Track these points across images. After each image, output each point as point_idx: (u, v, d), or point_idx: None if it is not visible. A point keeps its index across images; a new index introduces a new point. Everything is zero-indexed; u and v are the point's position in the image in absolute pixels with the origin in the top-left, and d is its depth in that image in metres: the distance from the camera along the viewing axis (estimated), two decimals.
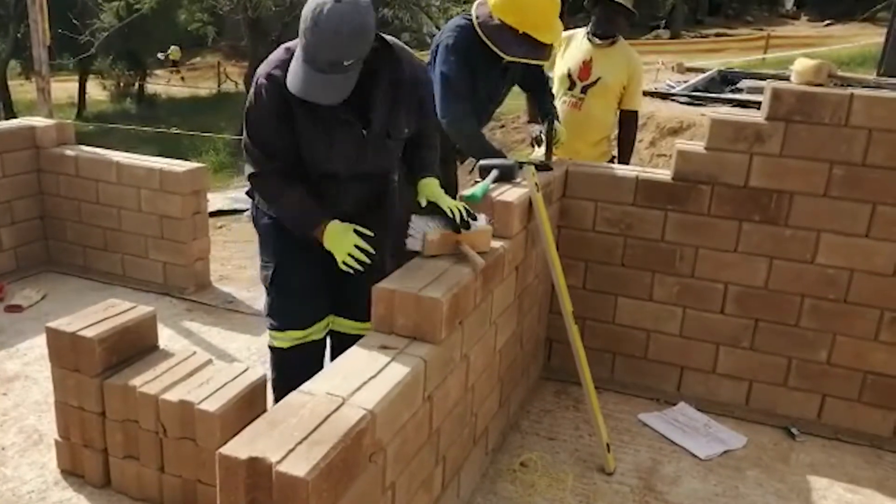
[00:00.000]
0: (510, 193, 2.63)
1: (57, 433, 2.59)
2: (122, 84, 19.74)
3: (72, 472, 2.59)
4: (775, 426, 3.07)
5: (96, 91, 19.71)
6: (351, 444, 1.56)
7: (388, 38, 2.27)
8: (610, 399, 3.21)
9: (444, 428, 2.17)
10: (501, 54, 2.95)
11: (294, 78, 2.09)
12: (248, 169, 2.38)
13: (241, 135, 2.41)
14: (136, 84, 19.81)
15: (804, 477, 2.77)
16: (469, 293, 2.21)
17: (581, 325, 3.20)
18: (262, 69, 2.27)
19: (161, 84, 20.72)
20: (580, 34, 3.88)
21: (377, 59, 2.20)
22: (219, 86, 20.87)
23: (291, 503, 1.44)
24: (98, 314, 2.49)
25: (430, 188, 2.43)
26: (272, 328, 2.56)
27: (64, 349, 2.41)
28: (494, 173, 2.74)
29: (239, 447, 1.49)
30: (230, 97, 18.57)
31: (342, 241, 2.28)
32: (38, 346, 3.37)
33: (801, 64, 2.85)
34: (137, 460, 2.43)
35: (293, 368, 2.44)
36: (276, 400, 2.34)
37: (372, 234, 2.33)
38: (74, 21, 12.93)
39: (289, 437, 1.52)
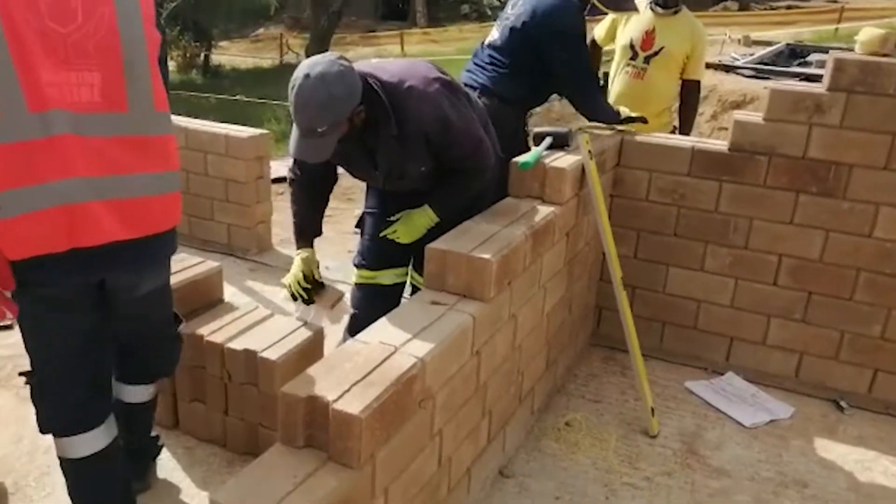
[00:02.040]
0: (563, 160, 2.68)
1: None
2: (188, 55, 20.19)
3: None
4: (824, 399, 3.07)
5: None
6: (402, 388, 1.67)
7: (397, 90, 2.28)
8: (657, 367, 3.25)
9: (490, 383, 2.26)
10: (620, 13, 3.48)
11: (291, 137, 2.26)
12: (477, 160, 2.50)
13: None
14: (202, 55, 20.25)
15: (851, 448, 2.77)
16: (518, 255, 2.28)
17: (631, 293, 3.25)
18: None
19: (226, 55, 21.13)
20: (643, 4, 3.86)
21: (376, 112, 2.29)
22: (281, 57, 21.16)
23: (346, 439, 1.55)
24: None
25: (410, 219, 2.51)
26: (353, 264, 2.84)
27: None
28: (548, 140, 2.79)
29: (299, 386, 1.61)
30: (292, 68, 18.67)
31: (293, 270, 2.60)
32: None
33: (867, 34, 2.79)
34: (204, 404, 2.60)
35: (357, 302, 2.77)
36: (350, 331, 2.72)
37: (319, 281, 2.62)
38: None
39: (344, 380, 1.63)
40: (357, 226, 2.85)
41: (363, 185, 2.85)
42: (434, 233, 2.36)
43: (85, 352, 1.93)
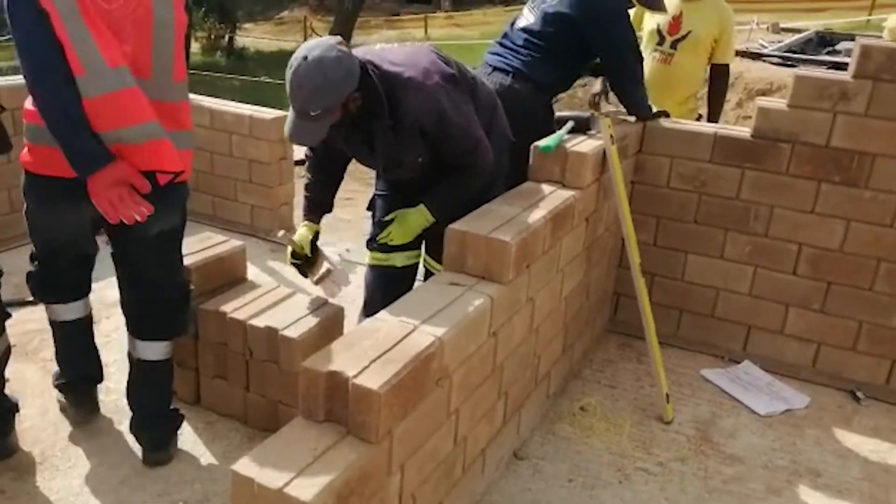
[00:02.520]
0: (584, 144, 2.69)
1: None
2: (212, 37, 20.28)
3: None
4: (840, 389, 3.07)
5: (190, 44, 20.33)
6: (420, 365, 1.70)
7: (395, 79, 2.30)
8: (674, 354, 3.26)
9: (507, 364, 2.29)
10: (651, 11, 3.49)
11: (288, 118, 2.31)
12: (473, 158, 2.52)
13: None
14: (226, 37, 20.33)
15: (866, 439, 2.77)
16: (538, 239, 2.30)
17: (650, 281, 3.26)
18: None
19: (250, 38, 21.21)
20: None
21: (372, 100, 2.31)
22: (305, 39, 21.18)
23: (365, 414, 1.59)
24: (195, 245, 2.70)
25: (405, 220, 2.54)
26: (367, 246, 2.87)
27: None
28: (570, 124, 2.79)
29: (320, 362, 1.65)
30: None
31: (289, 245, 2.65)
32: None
33: (895, 21, 2.76)
34: (225, 380, 2.66)
35: (370, 283, 2.80)
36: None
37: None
38: None
39: (364, 356, 1.67)
40: (368, 208, 2.89)
41: None
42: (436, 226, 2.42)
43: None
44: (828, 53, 10.24)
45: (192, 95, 4.50)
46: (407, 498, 1.82)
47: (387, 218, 2.62)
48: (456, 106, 2.39)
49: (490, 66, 3.25)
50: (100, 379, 2.68)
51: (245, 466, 1.50)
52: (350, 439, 1.60)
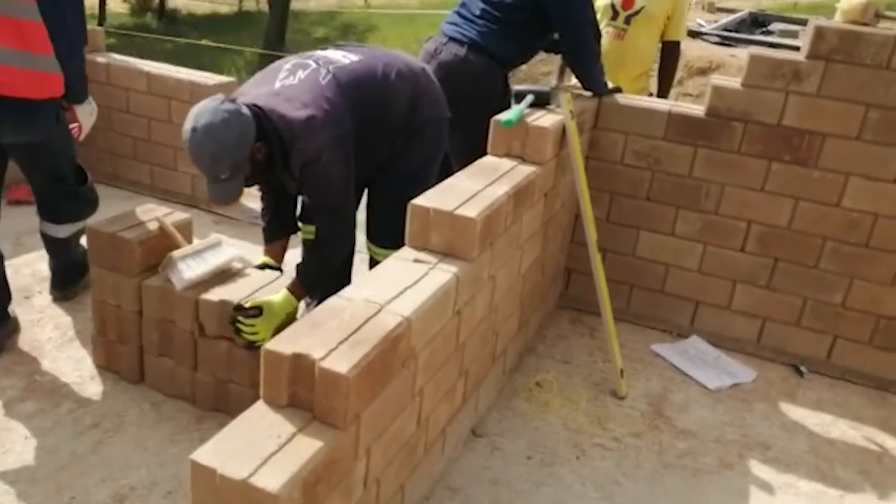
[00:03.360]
0: (545, 119, 2.65)
1: (94, 330, 2.69)
2: None
3: (107, 368, 2.70)
4: (785, 364, 3.15)
5: (116, 3, 19.41)
6: (388, 346, 1.64)
7: (291, 125, 2.30)
8: (624, 329, 3.28)
9: (469, 343, 2.25)
10: None
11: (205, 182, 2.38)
12: (335, 223, 2.52)
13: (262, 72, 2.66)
14: None
15: (810, 412, 2.86)
16: (501, 215, 2.25)
17: (602, 256, 3.26)
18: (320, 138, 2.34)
19: (182, 0, 20.39)
20: None
21: (273, 146, 2.34)
22: (240, 3, 20.51)
23: (332, 398, 1.52)
24: (136, 217, 2.56)
25: (270, 310, 2.33)
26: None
27: (104, 249, 2.49)
28: (529, 98, 2.74)
29: (283, 343, 1.57)
30: (251, 16, 18.28)
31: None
32: None
33: (848, 2, 2.81)
34: (171, 359, 2.54)
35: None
36: None
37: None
38: None
39: (330, 337, 1.59)
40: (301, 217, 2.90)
41: None
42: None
43: None
44: (761, 34, 10.49)
45: (125, 58, 4.32)
46: (371, 482, 1.77)
47: (248, 306, 2.34)
48: (328, 165, 2.36)
49: (446, 35, 3.17)
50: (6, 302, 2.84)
51: (205, 456, 1.41)
52: (316, 425, 1.53)
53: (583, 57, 3.14)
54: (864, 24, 2.75)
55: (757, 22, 11.64)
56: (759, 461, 2.57)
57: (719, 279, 3.23)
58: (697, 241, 3.22)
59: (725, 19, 11.14)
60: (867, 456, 2.64)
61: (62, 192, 2.90)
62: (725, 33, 9.66)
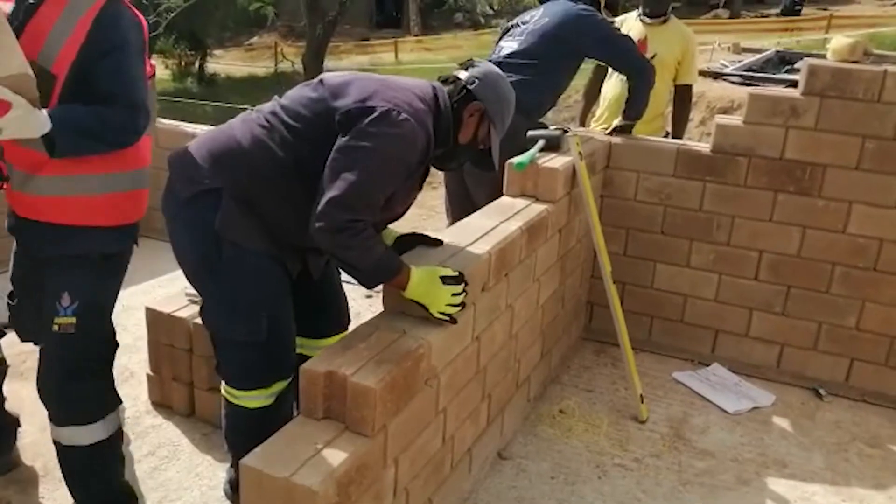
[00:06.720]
0: (555, 161, 2.86)
1: (149, 369, 2.94)
2: (183, 63, 20.38)
3: (161, 404, 2.94)
4: (804, 387, 3.25)
5: (159, 70, 20.42)
6: (411, 365, 1.84)
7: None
8: (646, 359, 3.43)
9: (489, 367, 2.43)
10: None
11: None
12: (342, 214, 1.89)
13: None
14: (197, 63, 20.44)
15: (828, 432, 2.95)
16: (514, 248, 2.45)
17: (621, 289, 3.43)
18: (417, 116, 1.99)
19: (220, 64, 21.33)
20: (632, 17, 4.06)
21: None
22: (276, 65, 21.37)
23: (362, 409, 1.72)
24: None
25: None
26: (255, 387, 2.16)
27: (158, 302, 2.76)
28: (541, 143, 2.96)
29: (318, 363, 1.78)
30: (287, 76, 19.03)
31: (437, 292, 1.97)
32: (121, 298, 3.73)
33: (837, 42, 2.99)
34: (220, 392, 2.75)
35: (274, 423, 1.81)
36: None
37: (455, 273, 2.03)
38: (143, 1, 13.50)
39: (359, 357, 1.80)
40: (266, 334, 2.14)
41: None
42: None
43: None
44: (787, 72, 10.64)
45: (167, 121, 4.66)
46: (401, 491, 1.95)
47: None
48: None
49: None
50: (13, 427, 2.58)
51: (253, 459, 1.61)
52: (348, 434, 1.73)
53: (639, 75, 3.40)
54: (854, 62, 2.92)
55: (784, 60, 11.81)
56: (775, 477, 2.67)
57: (736, 307, 3.37)
58: (712, 271, 3.37)
59: (750, 59, 11.35)
60: (884, 472, 2.73)
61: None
62: (747, 73, 9.84)
